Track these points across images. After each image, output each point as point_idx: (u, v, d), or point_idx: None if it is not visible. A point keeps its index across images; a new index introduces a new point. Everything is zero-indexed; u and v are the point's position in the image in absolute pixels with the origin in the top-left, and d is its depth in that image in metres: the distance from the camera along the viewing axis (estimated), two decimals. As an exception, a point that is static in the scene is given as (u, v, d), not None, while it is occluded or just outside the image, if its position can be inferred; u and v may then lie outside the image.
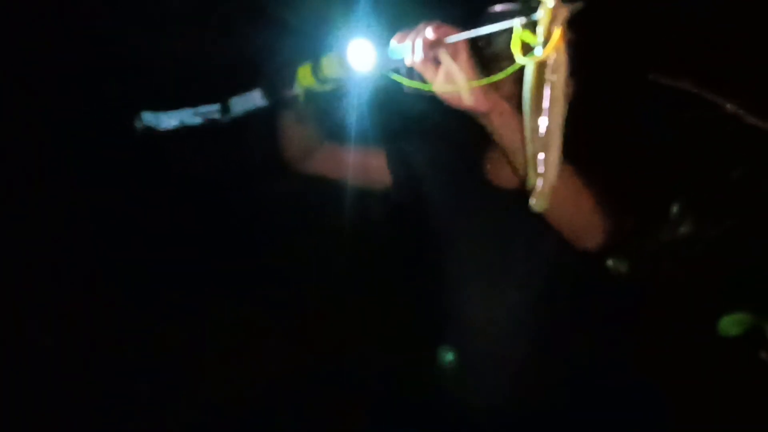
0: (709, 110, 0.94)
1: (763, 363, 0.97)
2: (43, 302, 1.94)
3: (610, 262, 1.14)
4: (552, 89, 0.88)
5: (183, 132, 1.28)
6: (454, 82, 1.09)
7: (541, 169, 0.89)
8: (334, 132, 1.47)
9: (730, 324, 1.01)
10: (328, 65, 1.18)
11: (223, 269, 2.12)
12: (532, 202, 0.90)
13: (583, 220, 1.27)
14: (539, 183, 0.89)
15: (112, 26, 1.65)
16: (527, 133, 0.90)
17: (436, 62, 1.11)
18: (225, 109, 1.41)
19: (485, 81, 1.03)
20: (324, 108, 1.35)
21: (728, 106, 0.94)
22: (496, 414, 1.47)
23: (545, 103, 0.88)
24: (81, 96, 1.83)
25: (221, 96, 1.38)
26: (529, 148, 0.90)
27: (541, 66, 0.88)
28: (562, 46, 0.87)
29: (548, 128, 0.89)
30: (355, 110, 1.30)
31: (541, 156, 0.89)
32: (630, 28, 1.93)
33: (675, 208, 1.09)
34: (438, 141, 1.59)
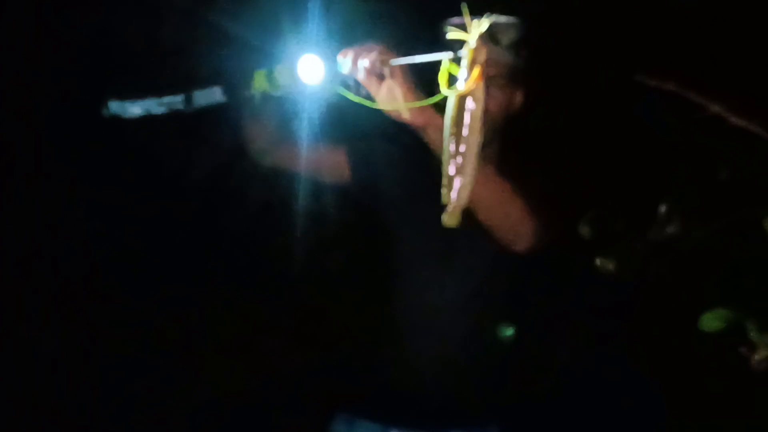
0: (694, 112, 1.01)
1: (743, 359, 1.04)
2: (37, 300, 1.93)
3: (597, 261, 1.22)
4: (470, 119, 0.99)
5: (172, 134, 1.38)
6: (395, 98, 1.20)
7: (454, 190, 1.00)
8: (293, 130, 1.55)
9: (711, 320, 1.02)
10: (280, 75, 1.28)
11: (218, 266, 2.14)
12: (443, 218, 1.01)
13: (511, 227, 1.38)
14: (451, 203, 1.00)
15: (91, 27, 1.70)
16: (444, 156, 1.01)
17: (381, 78, 1.22)
18: (188, 101, 1.50)
19: (418, 104, 1.14)
20: (281, 109, 1.44)
21: (713, 107, 1.00)
22: (453, 407, 1.56)
23: (463, 131, 0.99)
24: (71, 94, 1.85)
25: (185, 89, 1.47)
26: (445, 170, 1.00)
27: (462, 98, 0.98)
28: (481, 82, 0.98)
29: (464, 154, 0.99)
30: (310, 113, 1.40)
31: (456, 179, 1.00)
32: (611, 29, 1.99)
33: (662, 209, 1.17)
34: (394, 140, 1.68)
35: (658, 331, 1.95)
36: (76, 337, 1.97)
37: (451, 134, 1.00)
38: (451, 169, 1.00)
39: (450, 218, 1.01)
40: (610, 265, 1.20)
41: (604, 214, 1.32)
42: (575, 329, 1.66)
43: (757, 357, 0.98)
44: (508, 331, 1.53)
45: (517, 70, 1.55)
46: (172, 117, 1.48)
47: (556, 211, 1.42)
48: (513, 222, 1.38)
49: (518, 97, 1.59)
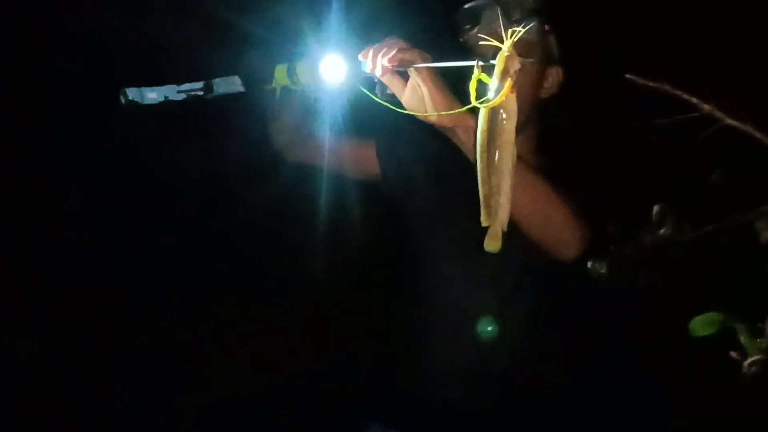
0: (688, 112, 0.97)
1: (734, 363, 1.03)
2: (44, 299, 1.92)
3: (589, 265, 1.19)
4: (503, 133, 0.92)
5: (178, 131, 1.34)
6: (419, 98, 1.13)
7: (493, 210, 0.94)
8: (314, 126, 1.50)
9: (701, 324, 0.99)
10: (301, 71, 1.21)
11: (220, 268, 2.13)
12: (485, 243, 0.95)
13: (555, 232, 1.28)
14: (492, 224, 0.94)
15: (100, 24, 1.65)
16: (479, 174, 0.94)
17: (404, 77, 1.15)
18: (208, 88, 1.45)
19: (445, 113, 1.07)
20: (303, 104, 1.38)
21: (706, 107, 0.96)
22: (473, 410, 1.52)
23: (496, 147, 0.93)
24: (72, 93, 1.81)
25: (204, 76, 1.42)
26: (481, 189, 0.94)
27: (494, 110, 0.92)
28: (513, 96, 0.90)
29: (499, 171, 0.93)
30: (331, 110, 1.34)
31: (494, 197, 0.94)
32: (613, 30, 1.90)
33: (655, 212, 1.14)
34: (424, 133, 1.60)
35: (651, 334, 1.95)
36: (82, 339, 1.97)
37: (483, 150, 0.94)
38: (487, 189, 0.94)
39: (491, 241, 0.95)
40: (602, 269, 1.18)
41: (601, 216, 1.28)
42: (577, 331, 1.64)
43: (747, 362, 0.95)
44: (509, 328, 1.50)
45: (542, 48, 1.46)
46: (186, 113, 1.44)
47: (600, 211, 1.33)
48: (556, 226, 1.27)
49: (545, 81, 1.49)
